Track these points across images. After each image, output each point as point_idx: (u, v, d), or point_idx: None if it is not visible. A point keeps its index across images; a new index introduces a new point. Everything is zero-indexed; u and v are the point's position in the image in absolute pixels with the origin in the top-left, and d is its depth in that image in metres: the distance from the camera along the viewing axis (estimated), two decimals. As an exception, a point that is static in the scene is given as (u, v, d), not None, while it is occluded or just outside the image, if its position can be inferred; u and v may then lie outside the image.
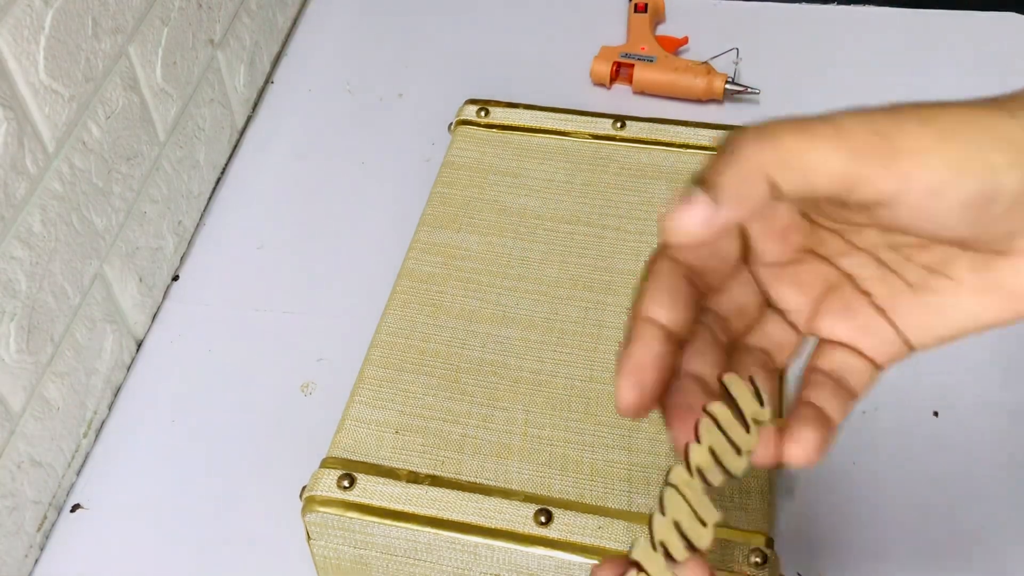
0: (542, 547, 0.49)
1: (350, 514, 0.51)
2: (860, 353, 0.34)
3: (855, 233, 0.34)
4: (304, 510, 0.52)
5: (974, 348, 0.68)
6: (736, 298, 0.36)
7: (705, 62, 0.84)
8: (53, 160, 0.58)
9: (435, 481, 0.52)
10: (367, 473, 0.52)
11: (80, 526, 0.61)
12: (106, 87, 0.62)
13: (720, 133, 0.68)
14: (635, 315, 0.33)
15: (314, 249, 0.75)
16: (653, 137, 0.68)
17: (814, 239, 0.35)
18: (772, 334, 0.36)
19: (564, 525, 0.50)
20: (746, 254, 0.36)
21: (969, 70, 0.86)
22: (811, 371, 0.34)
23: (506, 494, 0.51)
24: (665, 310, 0.33)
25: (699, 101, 0.84)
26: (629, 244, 0.62)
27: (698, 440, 0.31)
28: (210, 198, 0.79)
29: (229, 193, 0.79)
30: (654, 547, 0.31)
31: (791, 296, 0.35)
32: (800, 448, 0.31)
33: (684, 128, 0.69)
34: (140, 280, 0.69)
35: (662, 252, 0.34)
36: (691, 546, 0.30)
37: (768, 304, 0.36)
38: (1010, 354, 0.66)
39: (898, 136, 0.28)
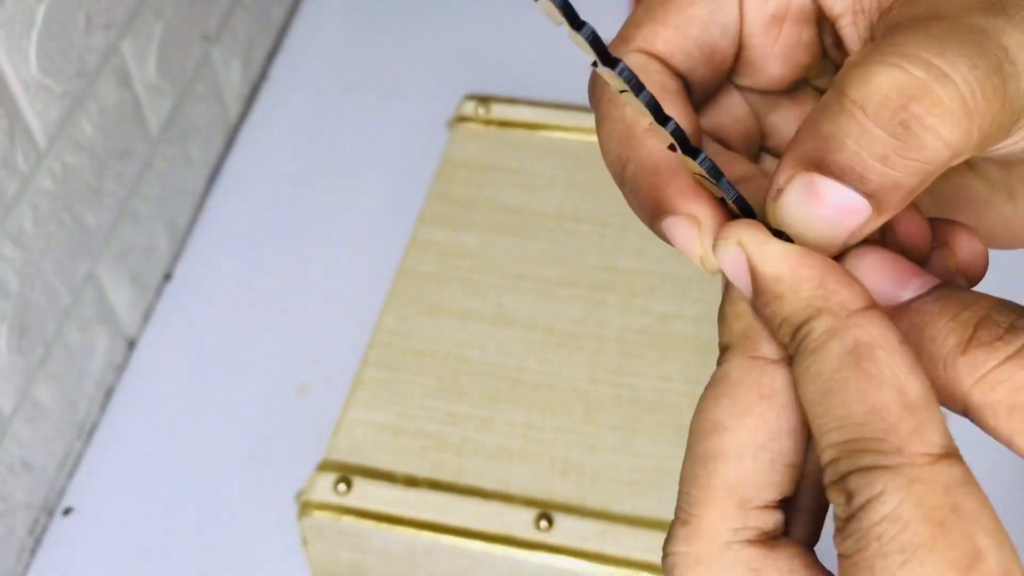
0: (542, 552, 0.49)
1: (346, 518, 0.50)
2: None
3: None
4: (300, 514, 0.51)
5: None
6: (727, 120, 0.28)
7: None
8: (44, 158, 0.57)
9: (433, 485, 0.51)
10: (364, 476, 0.51)
11: (72, 530, 0.61)
12: (98, 83, 0.62)
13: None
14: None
15: (310, 248, 0.75)
16: (655, 134, 0.68)
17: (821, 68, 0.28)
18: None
19: (565, 530, 0.49)
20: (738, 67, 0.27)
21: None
22: None
23: (506, 498, 0.51)
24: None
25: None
26: (631, 243, 0.62)
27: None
28: (204, 196, 0.78)
29: (223, 191, 0.79)
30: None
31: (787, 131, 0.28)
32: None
33: (686, 125, 0.68)
34: (132, 280, 0.68)
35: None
36: None
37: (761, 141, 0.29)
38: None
39: None
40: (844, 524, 0.19)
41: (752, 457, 0.21)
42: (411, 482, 0.51)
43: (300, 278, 0.73)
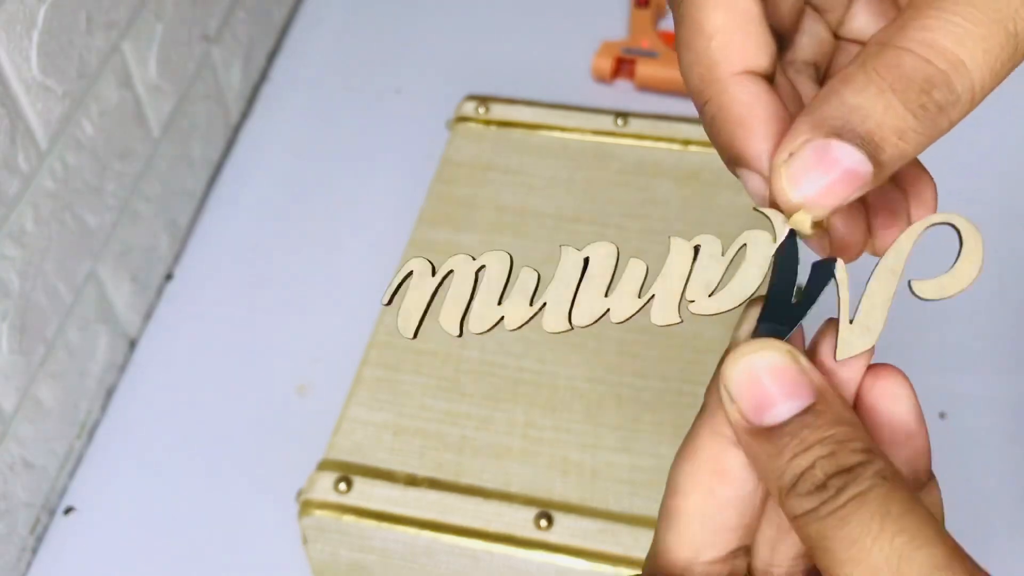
0: (542, 551, 0.49)
1: (347, 517, 0.50)
2: None
3: None
4: (300, 513, 0.51)
5: (981, 349, 0.67)
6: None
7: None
8: (46, 158, 0.57)
9: (433, 484, 0.51)
10: (364, 476, 0.51)
11: (73, 529, 0.61)
12: (99, 83, 0.62)
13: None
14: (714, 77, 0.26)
15: (310, 248, 0.74)
16: (655, 133, 0.68)
17: None
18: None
19: (565, 529, 0.49)
20: None
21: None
22: None
23: (506, 497, 0.51)
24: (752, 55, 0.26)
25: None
26: (631, 242, 0.62)
27: None
28: (204, 196, 0.78)
29: (224, 191, 0.79)
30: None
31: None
32: None
33: (687, 124, 0.68)
34: (133, 279, 0.68)
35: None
36: None
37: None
38: (1018, 355, 0.66)
39: None
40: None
41: (699, 524, 0.26)
42: (411, 481, 0.51)
43: (300, 278, 0.73)
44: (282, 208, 0.77)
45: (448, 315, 0.27)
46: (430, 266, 0.27)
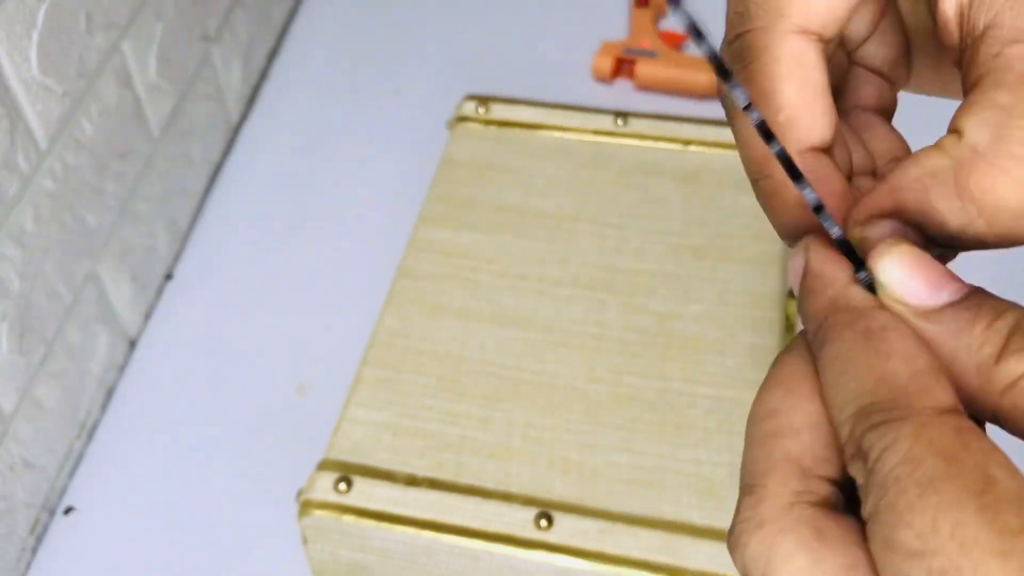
0: (542, 551, 0.49)
1: (347, 517, 0.50)
2: None
3: None
4: (300, 513, 0.51)
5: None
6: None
7: (707, 58, 0.83)
8: (45, 158, 0.57)
9: (433, 484, 0.51)
10: (364, 476, 0.51)
11: (73, 529, 0.61)
12: (99, 83, 0.62)
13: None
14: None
15: (310, 248, 0.74)
16: (655, 133, 0.67)
17: None
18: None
19: (565, 529, 0.49)
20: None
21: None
22: None
23: (506, 497, 0.51)
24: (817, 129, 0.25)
25: (702, 97, 0.83)
26: (631, 242, 0.62)
27: None
28: (204, 196, 0.78)
29: (224, 191, 0.79)
30: None
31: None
32: None
33: (687, 124, 0.68)
34: (133, 279, 0.68)
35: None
36: None
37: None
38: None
39: None
40: (865, 485, 0.20)
41: (809, 432, 0.22)
42: (411, 481, 0.51)
43: (300, 278, 0.73)
44: (282, 208, 0.77)
45: None
46: None
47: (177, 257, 0.74)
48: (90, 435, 0.65)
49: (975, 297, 0.22)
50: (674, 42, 0.87)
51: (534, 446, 0.53)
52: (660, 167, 0.66)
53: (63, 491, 0.62)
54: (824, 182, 0.25)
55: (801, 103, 0.25)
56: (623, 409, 0.54)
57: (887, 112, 0.29)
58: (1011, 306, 0.22)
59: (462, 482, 0.51)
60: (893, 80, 0.29)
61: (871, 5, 0.28)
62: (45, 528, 0.61)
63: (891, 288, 0.22)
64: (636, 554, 0.48)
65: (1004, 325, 0.21)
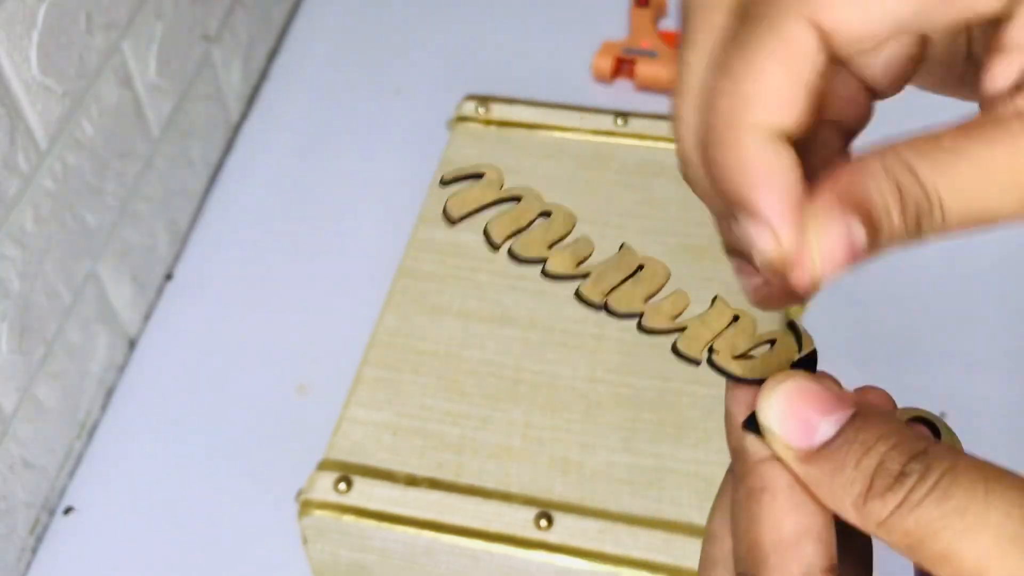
0: (542, 551, 0.49)
1: (347, 517, 0.50)
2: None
3: None
4: (300, 513, 0.51)
5: (981, 349, 0.67)
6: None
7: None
8: (45, 158, 0.57)
9: (433, 484, 0.51)
10: (364, 476, 0.51)
11: (73, 529, 0.61)
12: (99, 83, 0.62)
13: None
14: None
15: (310, 248, 0.74)
16: (655, 133, 0.67)
17: None
18: None
19: (565, 529, 0.49)
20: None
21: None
22: None
23: (506, 497, 0.51)
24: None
25: (701, 97, 0.83)
26: (631, 242, 0.61)
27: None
28: (204, 196, 0.78)
29: (224, 191, 0.79)
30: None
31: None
32: None
33: (686, 125, 0.68)
34: (133, 279, 0.68)
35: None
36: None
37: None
38: (1018, 355, 0.66)
39: None
40: None
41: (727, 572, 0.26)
42: (411, 481, 0.51)
43: (300, 278, 0.73)
44: (282, 208, 0.77)
45: (499, 227, 0.28)
46: (500, 178, 0.28)
47: (177, 257, 0.74)
48: (90, 435, 0.65)
49: (851, 428, 0.23)
50: (674, 42, 0.87)
51: (534, 446, 0.53)
52: (660, 167, 0.66)
53: (63, 491, 0.62)
54: (773, 180, 0.23)
55: (782, 83, 0.23)
56: (623, 409, 0.54)
57: (858, 128, 0.27)
58: (886, 433, 0.22)
59: (462, 482, 0.51)
60: (880, 93, 0.27)
61: (910, 39, 0.26)
62: (45, 528, 0.61)
63: (772, 435, 0.24)
64: (636, 554, 0.48)
65: (870, 464, 0.22)
